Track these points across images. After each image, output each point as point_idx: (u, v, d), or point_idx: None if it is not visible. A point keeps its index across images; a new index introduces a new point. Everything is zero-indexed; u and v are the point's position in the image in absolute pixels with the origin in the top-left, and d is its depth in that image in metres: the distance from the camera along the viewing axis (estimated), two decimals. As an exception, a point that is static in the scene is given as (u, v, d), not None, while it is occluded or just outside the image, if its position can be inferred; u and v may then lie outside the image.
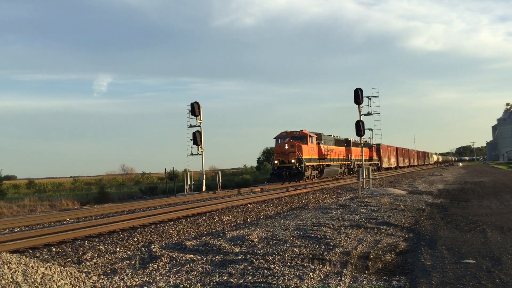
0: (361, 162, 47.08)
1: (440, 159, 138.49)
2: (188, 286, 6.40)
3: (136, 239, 11.32)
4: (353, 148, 50.34)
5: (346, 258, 8.10)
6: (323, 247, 8.98)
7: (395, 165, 76.41)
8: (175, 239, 11.38)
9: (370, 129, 28.22)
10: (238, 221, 14.69)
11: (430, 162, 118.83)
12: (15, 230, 13.89)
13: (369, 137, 28.70)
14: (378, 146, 60.53)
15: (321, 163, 39.49)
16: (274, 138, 37.65)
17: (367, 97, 27.50)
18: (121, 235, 11.97)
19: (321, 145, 39.50)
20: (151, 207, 20.15)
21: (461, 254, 8.60)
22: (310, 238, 9.95)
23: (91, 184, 61.45)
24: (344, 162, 47.58)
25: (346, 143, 49.83)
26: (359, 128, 27.12)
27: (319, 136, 40.21)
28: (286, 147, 35.15)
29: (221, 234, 11.00)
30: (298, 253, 8.46)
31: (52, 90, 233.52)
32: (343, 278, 6.79)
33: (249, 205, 19.03)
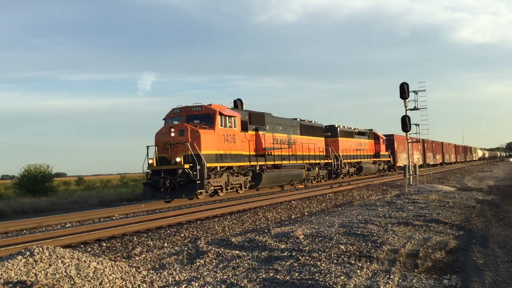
0: (357, 160, 39.72)
1: (487, 155, 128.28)
2: (235, 282, 6.44)
3: (182, 235, 11.50)
4: (341, 140, 37.05)
5: (394, 256, 7.95)
6: (370, 245, 8.85)
7: (421, 163, 58.15)
8: (221, 235, 11.48)
9: (417, 124, 27.54)
10: (283, 218, 14.69)
11: (474, 158, 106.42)
12: (67, 226, 14.38)
13: (416, 133, 27.95)
14: (390, 137, 50.08)
15: (257, 163, 24.55)
16: (163, 119, 22.77)
17: (413, 91, 26.88)
18: (168, 231, 12.20)
19: (263, 133, 25.53)
20: (196, 203, 20.42)
21: (515, 253, 8.29)
22: (356, 235, 9.83)
23: (138, 181, 62.82)
24: (320, 161, 32.95)
25: (330, 131, 36.78)
26: (405, 123, 26.55)
27: (256, 118, 25.72)
28: (172, 135, 20.19)
29: (266, 230, 11.03)
30: (345, 250, 8.37)
31: (99, 89, 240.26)
32: (391, 276, 6.67)
33: (293, 201, 19.00)
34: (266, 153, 25.39)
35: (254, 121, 25.28)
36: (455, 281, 6.56)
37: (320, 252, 8.15)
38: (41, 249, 6.73)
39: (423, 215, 13.03)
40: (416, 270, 7.20)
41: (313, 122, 33.36)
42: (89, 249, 9.98)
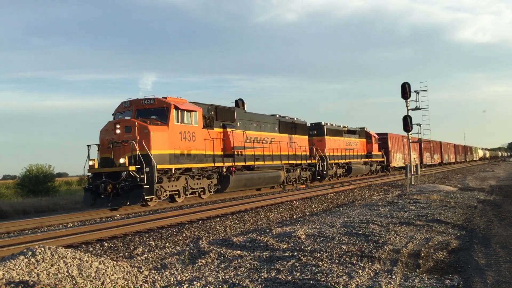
0: (346, 160, 37.25)
1: (488, 155, 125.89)
2: (237, 282, 6.45)
3: (184, 235, 11.50)
4: (328, 138, 35.02)
5: (396, 256, 7.95)
6: (371, 245, 8.85)
7: (417, 163, 55.74)
8: (222, 235, 11.49)
9: (418, 124, 27.50)
10: (284, 218, 14.69)
11: (474, 158, 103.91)
12: (69, 226, 14.40)
13: (417, 133, 27.89)
14: (384, 136, 47.24)
15: (223, 164, 21.76)
16: (112, 114, 19.92)
17: (415, 91, 26.84)
18: (170, 231, 12.21)
19: (232, 130, 22.68)
20: (197, 203, 20.42)
21: (517, 253, 8.28)
22: (358, 235, 9.82)
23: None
24: (302, 161, 30.42)
25: (316, 130, 34.78)
26: (407, 123, 26.49)
27: (224, 113, 22.81)
28: (118, 132, 17.70)
29: (267, 230, 11.02)
30: (346, 250, 8.37)
31: (100, 89, 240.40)
32: (393, 276, 6.67)
33: (294, 201, 19.00)
34: (236, 152, 22.57)
35: (222, 117, 22.46)
36: (457, 281, 6.56)
37: (321, 252, 8.15)
38: (43, 249, 6.74)
39: (425, 215, 13.01)
40: (418, 270, 7.20)
41: (295, 119, 30.52)
42: (91, 249, 9.99)
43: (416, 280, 6.58)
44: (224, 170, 21.86)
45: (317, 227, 11.24)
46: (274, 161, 26.12)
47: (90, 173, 18.01)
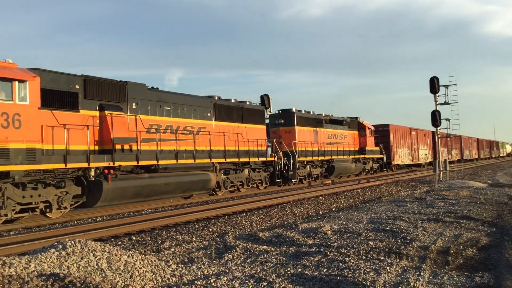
0: (327, 157, 29.49)
1: None
2: (263, 277, 6.46)
3: (210, 229, 11.58)
4: (300, 129, 28.08)
5: (425, 253, 7.84)
6: (399, 241, 8.75)
7: (430, 159, 48.27)
8: (248, 230, 11.53)
9: (447, 119, 27.06)
10: (310, 213, 14.64)
11: (501, 154, 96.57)
12: (97, 220, 14.63)
13: (446, 128, 27.43)
14: (384, 128, 39.96)
15: (88, 165, 14.45)
16: None
17: (444, 85, 26.41)
18: (197, 225, 12.31)
19: (119, 115, 15.72)
20: (220, 199, 20.52)
21: (550, 250, 8.08)
22: (385, 232, 9.73)
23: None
24: (254, 159, 22.53)
25: (283, 118, 27.97)
26: (435, 118, 26.10)
27: (104, 89, 15.65)
28: None
29: (293, 226, 11.01)
30: (374, 246, 8.30)
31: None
32: (422, 273, 6.58)
33: (320, 197, 18.93)
34: (117, 147, 15.44)
35: (98, 94, 15.32)
36: (487, 278, 6.44)
37: (348, 248, 8.10)
38: (73, 242, 6.87)
39: (454, 211, 12.81)
40: (447, 267, 7.09)
41: (247, 103, 23.39)
42: (120, 243, 10.14)
43: (445, 277, 6.48)
44: (92, 173, 14.52)
45: (344, 223, 11.18)
46: (198, 159, 18.77)
47: None
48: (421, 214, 12.38)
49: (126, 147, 16.03)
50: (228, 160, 20.67)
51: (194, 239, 10.38)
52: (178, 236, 10.73)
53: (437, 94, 26.18)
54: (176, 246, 9.51)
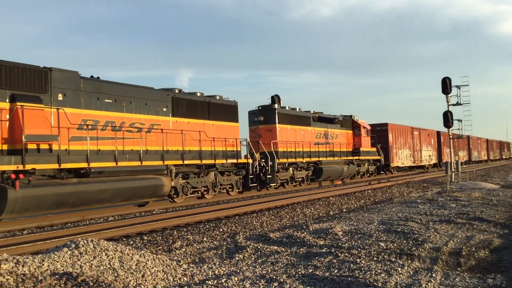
0: (314, 159, 27.07)
1: None
2: (274, 277, 6.46)
3: (221, 230, 11.61)
4: (282, 128, 25.65)
5: (436, 254, 7.80)
6: (411, 242, 8.71)
7: (435, 161, 47.24)
8: (259, 230, 11.54)
9: (459, 120, 26.84)
10: (321, 214, 14.62)
11: None
12: (109, 219, 14.73)
13: (458, 129, 27.20)
14: (383, 128, 37.42)
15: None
16: None
17: (456, 86, 26.20)
18: (207, 226, 12.35)
19: (39, 107, 13.08)
20: (231, 199, 20.56)
21: None
22: (396, 233, 9.69)
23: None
24: (221, 160, 20.16)
25: (263, 115, 25.56)
26: (447, 119, 25.90)
27: (16, 75, 12.81)
28: None
29: (304, 226, 11.01)
30: (385, 247, 8.27)
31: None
32: (433, 275, 6.55)
33: (331, 198, 18.90)
34: (30, 146, 12.81)
35: (10, 82, 12.74)
36: (500, 280, 6.39)
37: (359, 249, 8.09)
38: (86, 241, 6.94)
39: (466, 213, 12.72)
40: (459, 269, 7.05)
41: (217, 97, 20.92)
42: (131, 242, 10.20)
43: (457, 279, 6.45)
44: None
45: (354, 223, 11.15)
46: (147, 161, 16.31)
47: None
48: (432, 216, 12.31)
49: (44, 146, 13.23)
50: (186, 162, 18.03)
51: (205, 239, 10.41)
52: (189, 236, 10.78)
53: (449, 95, 25.99)
54: (187, 246, 9.55)
